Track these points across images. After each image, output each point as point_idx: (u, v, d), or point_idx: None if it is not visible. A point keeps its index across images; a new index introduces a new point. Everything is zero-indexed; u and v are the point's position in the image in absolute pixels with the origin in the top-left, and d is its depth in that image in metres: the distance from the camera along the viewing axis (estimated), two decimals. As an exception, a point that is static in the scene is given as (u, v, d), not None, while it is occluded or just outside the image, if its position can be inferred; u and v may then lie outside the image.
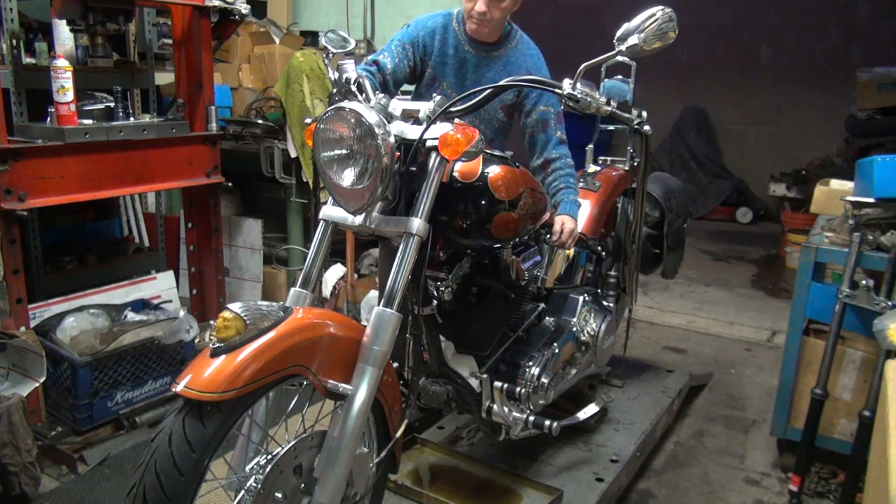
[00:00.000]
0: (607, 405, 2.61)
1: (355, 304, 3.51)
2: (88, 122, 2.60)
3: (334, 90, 1.71)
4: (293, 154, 3.46)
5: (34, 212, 2.89)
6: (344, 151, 1.51)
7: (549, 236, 2.15)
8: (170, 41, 3.25)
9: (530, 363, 2.01)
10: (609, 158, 2.82)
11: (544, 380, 2.01)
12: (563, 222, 2.14)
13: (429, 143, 1.55)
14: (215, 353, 1.27)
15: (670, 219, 2.71)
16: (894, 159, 2.27)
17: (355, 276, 3.60)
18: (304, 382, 1.42)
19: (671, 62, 6.79)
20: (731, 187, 7.21)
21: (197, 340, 2.78)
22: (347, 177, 1.52)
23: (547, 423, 1.94)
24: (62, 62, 2.44)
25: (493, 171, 1.74)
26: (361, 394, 1.43)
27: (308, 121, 1.64)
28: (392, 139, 1.50)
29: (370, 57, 2.21)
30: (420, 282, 1.63)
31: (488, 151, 1.77)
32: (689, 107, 7.46)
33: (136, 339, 2.60)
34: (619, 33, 1.50)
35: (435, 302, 1.77)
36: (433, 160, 1.55)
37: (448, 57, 2.26)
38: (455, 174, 1.71)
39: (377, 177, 1.47)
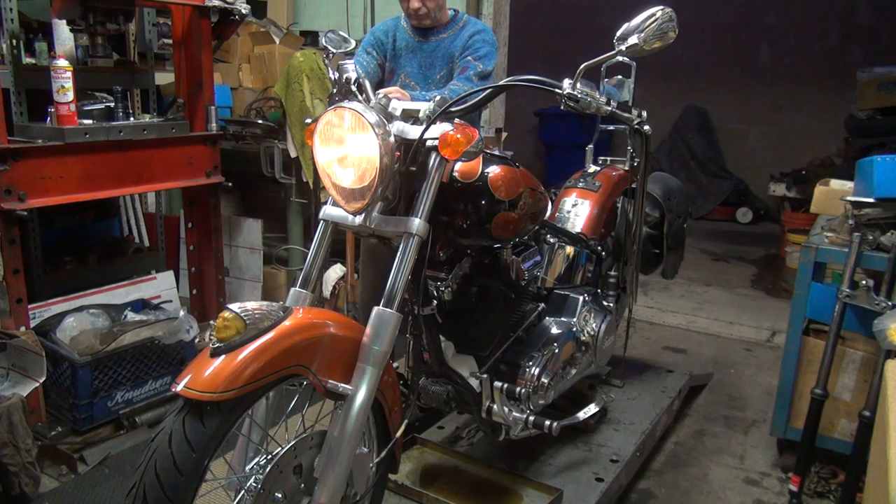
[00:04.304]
0: (607, 405, 2.61)
1: (355, 304, 3.50)
2: (88, 122, 2.61)
3: (334, 90, 1.71)
4: (293, 154, 3.46)
5: (34, 212, 2.89)
6: (344, 151, 1.52)
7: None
8: (170, 41, 3.25)
9: (530, 363, 2.01)
10: (609, 158, 2.82)
11: (544, 380, 2.00)
12: (399, 90, 2.21)
13: (429, 143, 1.55)
14: (215, 353, 1.27)
15: (670, 219, 2.71)
16: (894, 159, 2.27)
17: (355, 276, 3.60)
18: (304, 382, 1.42)
19: (671, 62, 6.79)
20: (731, 187, 7.20)
21: (197, 340, 2.78)
22: (347, 177, 1.52)
23: (547, 423, 1.94)
24: (62, 62, 2.44)
25: (493, 170, 1.75)
26: (361, 394, 1.43)
27: (308, 121, 1.64)
28: (392, 139, 1.50)
29: None
30: (420, 282, 1.63)
31: (488, 151, 1.77)
32: (689, 107, 7.46)
33: (136, 339, 2.60)
34: (619, 33, 1.50)
35: (435, 302, 1.76)
36: (433, 160, 1.55)
37: (400, 50, 2.56)
38: (455, 174, 1.71)
39: (377, 177, 1.47)
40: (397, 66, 2.57)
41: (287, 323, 1.34)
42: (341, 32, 1.98)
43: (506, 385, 1.92)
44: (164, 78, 3.49)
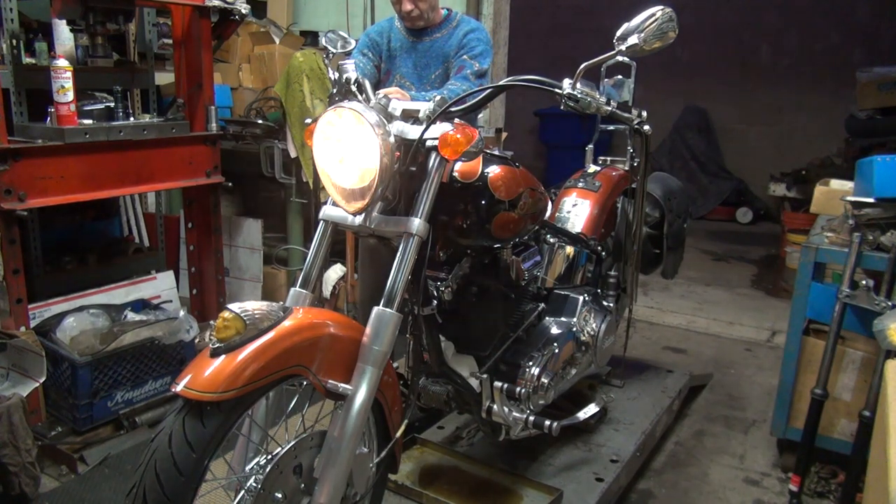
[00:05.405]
0: (607, 405, 2.61)
1: (355, 305, 3.50)
2: (88, 122, 2.61)
3: (334, 90, 1.71)
4: (293, 154, 3.46)
5: (34, 212, 2.89)
6: (344, 152, 1.51)
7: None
8: (170, 41, 3.25)
9: (530, 363, 2.01)
10: (609, 158, 2.82)
11: (544, 380, 2.01)
12: (399, 91, 2.20)
13: (429, 143, 1.55)
14: (215, 353, 1.27)
15: (670, 219, 2.71)
16: (894, 159, 2.27)
17: (355, 276, 3.59)
18: (304, 382, 1.42)
19: (671, 62, 6.79)
20: (731, 187, 7.21)
21: (197, 340, 2.78)
22: (347, 177, 1.52)
23: (547, 423, 1.94)
24: (62, 62, 2.44)
25: (493, 171, 1.75)
26: (361, 394, 1.43)
27: (308, 121, 1.64)
28: (392, 139, 1.50)
29: None
30: (420, 282, 1.63)
31: (488, 151, 1.77)
32: (689, 107, 7.46)
33: (136, 339, 2.60)
34: (619, 33, 1.50)
35: (435, 302, 1.76)
36: (433, 160, 1.55)
37: (395, 51, 2.57)
38: (455, 174, 1.71)
39: (377, 177, 1.47)
40: (392, 66, 2.58)
41: (287, 323, 1.34)
42: (341, 32, 1.98)
43: (506, 385, 1.92)
44: (164, 78, 3.49)
